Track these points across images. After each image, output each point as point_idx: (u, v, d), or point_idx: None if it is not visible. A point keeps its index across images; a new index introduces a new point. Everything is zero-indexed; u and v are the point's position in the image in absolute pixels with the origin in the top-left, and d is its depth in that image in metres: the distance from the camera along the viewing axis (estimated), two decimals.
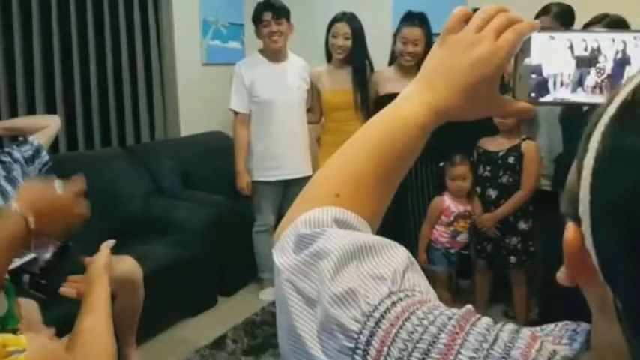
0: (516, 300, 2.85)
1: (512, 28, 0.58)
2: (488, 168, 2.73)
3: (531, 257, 2.73)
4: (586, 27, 2.39)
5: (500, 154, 2.69)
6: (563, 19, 2.63)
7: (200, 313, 3.02)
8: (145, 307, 2.30)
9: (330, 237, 0.49)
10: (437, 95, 0.57)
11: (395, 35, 2.91)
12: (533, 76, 0.61)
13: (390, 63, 3.07)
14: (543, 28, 0.61)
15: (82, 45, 3.10)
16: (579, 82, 0.60)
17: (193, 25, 3.82)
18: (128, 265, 2.22)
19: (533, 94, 0.62)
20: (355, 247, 0.48)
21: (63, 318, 1.59)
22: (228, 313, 3.05)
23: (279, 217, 3.23)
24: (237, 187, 3.03)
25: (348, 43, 2.94)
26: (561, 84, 0.61)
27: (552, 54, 0.61)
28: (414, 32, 2.82)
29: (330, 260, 0.46)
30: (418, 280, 0.48)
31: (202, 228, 2.92)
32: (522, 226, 2.71)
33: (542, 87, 0.61)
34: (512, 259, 2.73)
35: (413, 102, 0.58)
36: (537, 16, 2.68)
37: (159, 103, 3.57)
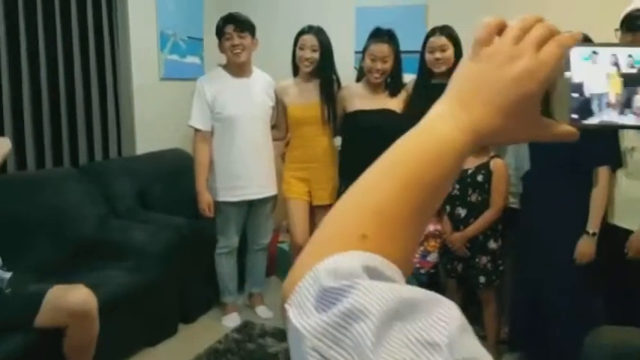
0: (486, 320, 2.80)
1: (555, 40, 0.50)
2: (457, 186, 2.69)
3: (501, 276, 2.70)
4: None
5: (469, 171, 2.65)
6: None
7: (159, 342, 2.84)
8: (100, 339, 2.13)
9: (364, 291, 0.39)
10: (474, 115, 0.50)
11: (363, 52, 2.85)
12: (574, 95, 0.54)
13: (358, 79, 3.01)
14: (584, 41, 0.53)
15: (32, 57, 2.91)
16: (628, 104, 0.53)
17: (150, 39, 3.67)
18: (81, 295, 2.05)
19: (574, 116, 0.54)
20: (397, 305, 0.38)
21: None
22: (189, 342, 2.88)
23: (242, 239, 3.10)
24: (198, 208, 2.88)
25: (316, 55, 2.86)
26: (607, 105, 0.53)
27: (595, 71, 0.53)
28: (383, 49, 2.78)
29: (368, 323, 0.36)
30: (475, 344, 0.39)
31: (161, 251, 2.76)
32: (492, 245, 2.68)
33: (584, 108, 0.54)
34: (482, 279, 2.69)
35: (447, 123, 0.50)
36: None
37: (113, 119, 3.39)
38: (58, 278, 2.23)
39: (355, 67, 4.01)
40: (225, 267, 3.07)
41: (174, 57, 3.82)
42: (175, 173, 3.46)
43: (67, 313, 2.02)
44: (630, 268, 2.37)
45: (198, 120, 2.85)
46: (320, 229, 0.49)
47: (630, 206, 2.24)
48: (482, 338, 2.94)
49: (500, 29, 0.52)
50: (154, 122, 3.73)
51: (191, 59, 4.00)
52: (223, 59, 3.03)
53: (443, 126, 0.50)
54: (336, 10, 4.06)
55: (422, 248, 2.70)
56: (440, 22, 2.94)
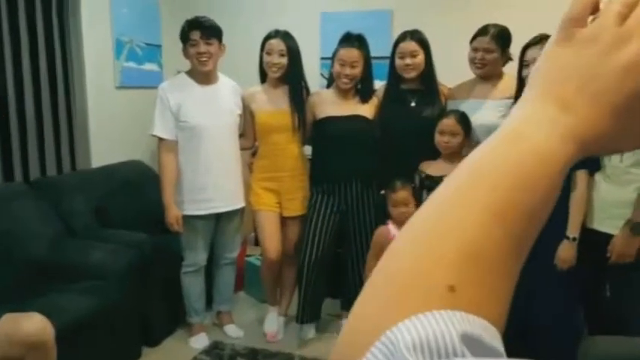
0: None
1: None
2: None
3: None
4: (526, 48, 2.36)
5: (444, 179, 2.58)
6: (502, 40, 2.61)
7: None
8: None
9: None
10: (578, 117, 0.38)
11: (333, 57, 2.76)
12: None
13: (329, 86, 2.91)
14: None
15: None
16: None
17: (105, 46, 3.47)
18: (35, 324, 1.86)
19: None
20: None
21: None
22: None
23: (210, 255, 2.94)
24: (166, 222, 2.69)
25: (284, 60, 2.74)
26: None
27: None
28: (352, 54, 2.69)
29: None
30: None
31: (122, 271, 2.57)
32: None
33: None
34: None
35: (542, 128, 0.38)
36: (475, 37, 2.65)
37: (66, 130, 3.17)
38: (8, 306, 2.02)
39: (321, 74, 3.94)
40: (192, 286, 2.90)
41: (131, 64, 3.63)
42: (135, 187, 3.27)
43: (20, 345, 1.82)
44: (609, 274, 2.35)
45: (162, 128, 2.68)
46: (380, 277, 0.37)
47: (609, 210, 2.21)
48: None
49: (595, 6, 0.41)
50: (110, 133, 3.53)
51: (149, 66, 3.82)
52: (183, 65, 2.87)
53: (537, 133, 0.38)
54: (301, 15, 3.97)
55: None
56: (405, 28, 2.88)
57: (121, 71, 3.54)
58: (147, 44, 3.76)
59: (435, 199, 0.38)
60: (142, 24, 3.72)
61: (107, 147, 3.48)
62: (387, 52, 3.21)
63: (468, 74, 2.77)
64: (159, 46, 3.90)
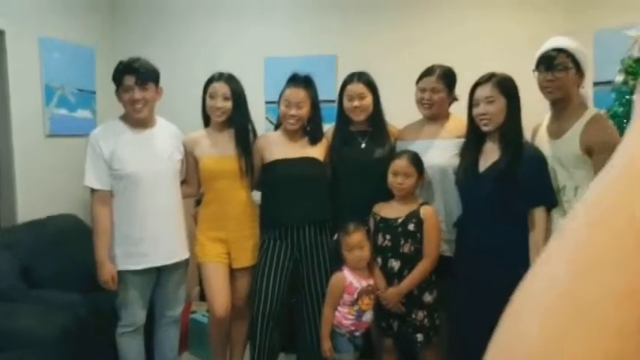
0: None
1: None
2: (387, 237, 2.52)
3: (437, 331, 2.53)
4: (476, 86, 2.35)
5: (399, 220, 2.50)
6: (448, 79, 2.60)
7: None
8: None
9: None
10: None
11: (279, 98, 2.67)
12: None
13: (276, 128, 2.81)
14: None
15: None
16: None
17: (34, 92, 3.25)
18: None
19: None
20: None
21: None
22: None
23: (149, 314, 2.69)
24: (99, 280, 2.44)
25: (228, 104, 2.61)
26: None
27: None
28: (298, 94, 2.61)
29: None
30: None
31: (53, 336, 2.30)
32: (427, 298, 2.51)
33: None
34: (420, 336, 2.50)
35: None
36: (421, 78, 2.63)
37: None
38: None
39: (267, 118, 3.85)
40: (130, 348, 2.62)
41: (63, 111, 3.41)
42: (66, 242, 3.01)
43: None
44: None
45: (94, 178, 2.46)
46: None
47: None
48: None
49: None
50: (39, 185, 3.26)
51: (82, 113, 3.60)
52: (119, 112, 2.69)
53: None
54: (245, 60, 3.90)
55: (356, 308, 2.46)
56: (350, 70, 2.85)
57: (50, 119, 3.31)
58: (80, 90, 3.56)
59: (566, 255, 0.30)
60: (74, 69, 3.53)
61: (36, 200, 3.21)
62: (333, 96, 3.17)
63: (415, 115, 2.74)
64: (93, 92, 3.70)
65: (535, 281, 0.29)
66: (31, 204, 3.17)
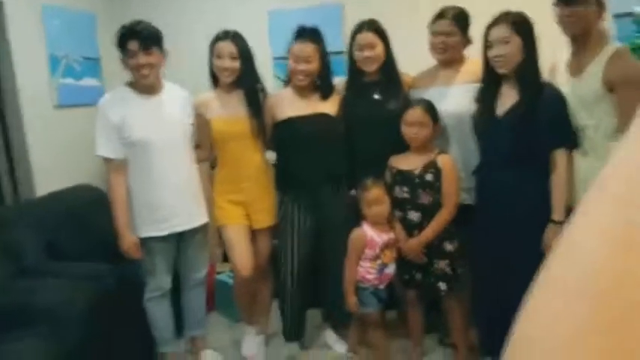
0: (454, 327, 2.62)
1: None
2: (405, 189, 2.48)
3: (460, 279, 2.52)
4: (490, 28, 2.25)
5: (417, 172, 2.46)
6: (462, 22, 2.50)
7: None
8: None
9: None
10: None
11: (288, 53, 2.59)
12: None
13: (286, 85, 2.74)
14: None
15: None
16: None
17: (39, 62, 3.21)
18: None
19: None
20: None
21: None
22: None
23: (175, 278, 2.72)
24: (121, 249, 2.47)
25: (236, 64, 2.54)
26: None
27: None
28: (305, 49, 2.53)
29: None
30: None
31: (81, 310, 2.32)
32: (448, 247, 2.49)
33: None
34: (443, 285, 2.50)
35: None
36: (434, 21, 2.53)
37: (3, 158, 2.90)
38: None
39: (275, 75, 3.77)
40: (159, 312, 2.67)
41: (69, 80, 3.37)
42: (86, 213, 3.02)
43: None
44: None
45: (107, 148, 2.44)
46: None
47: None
48: (450, 346, 2.76)
49: None
50: (54, 157, 3.26)
51: (89, 82, 3.56)
52: (126, 78, 2.64)
53: None
54: (248, 15, 3.79)
55: (379, 262, 2.46)
56: (357, 20, 2.74)
57: (58, 89, 3.27)
58: (85, 58, 3.50)
59: None
60: (77, 37, 3.46)
61: (51, 172, 3.21)
62: (340, 47, 3.08)
63: (428, 62, 2.64)
64: (97, 60, 3.65)
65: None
66: (47, 177, 3.17)
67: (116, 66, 3.59)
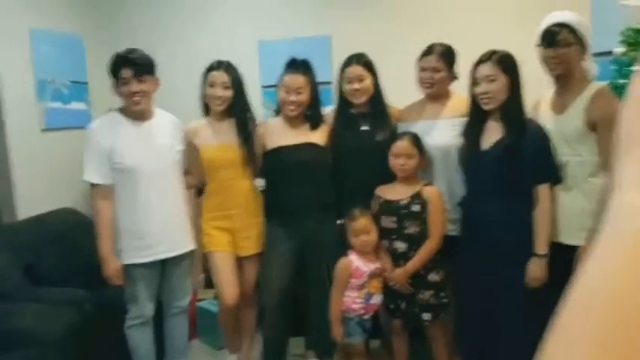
0: (437, 355, 2.63)
1: None
2: (392, 219, 2.51)
3: (444, 309, 2.54)
4: (477, 65, 2.32)
5: (403, 202, 2.49)
6: (448, 58, 2.57)
7: None
8: None
9: None
10: None
11: (278, 84, 2.63)
12: None
13: (276, 114, 2.78)
14: None
15: None
16: None
17: (26, 86, 3.19)
18: None
19: None
20: None
21: None
22: None
23: (157, 304, 2.69)
24: (104, 275, 2.44)
25: (228, 93, 2.58)
26: None
27: None
28: (297, 80, 2.58)
29: None
30: None
31: (59, 335, 2.29)
32: (434, 277, 2.51)
33: None
34: (427, 315, 2.51)
35: None
36: (421, 57, 2.60)
37: None
38: None
39: (263, 104, 3.81)
40: (140, 340, 2.63)
41: (57, 104, 3.36)
42: (68, 237, 2.98)
43: None
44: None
45: (94, 173, 2.43)
46: None
47: (574, 222, 2.18)
48: None
49: None
50: (37, 180, 3.23)
51: (76, 105, 3.55)
52: (115, 102, 2.65)
53: None
54: (239, 45, 3.85)
55: (365, 291, 2.47)
56: (345, 52, 2.81)
57: (45, 113, 3.26)
58: (72, 82, 3.50)
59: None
60: (65, 61, 3.46)
61: (35, 195, 3.18)
62: (328, 77, 3.14)
63: (413, 94, 2.70)
64: (85, 84, 3.65)
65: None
66: (30, 200, 3.14)
67: (103, 90, 3.62)
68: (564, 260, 2.16)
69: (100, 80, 3.64)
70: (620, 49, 2.82)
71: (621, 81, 2.80)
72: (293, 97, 2.57)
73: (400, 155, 2.48)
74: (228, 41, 3.89)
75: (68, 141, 3.39)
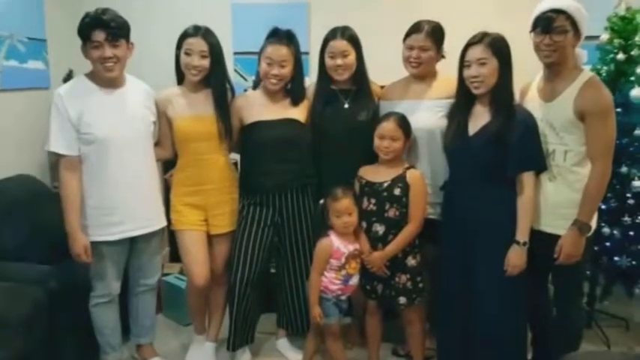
0: (411, 339, 2.63)
1: None
2: (372, 201, 2.46)
3: (420, 293, 2.53)
4: (468, 47, 2.25)
5: (385, 185, 2.44)
6: (437, 36, 2.49)
7: None
8: None
9: None
10: None
11: (259, 54, 2.49)
12: None
13: (255, 86, 2.64)
14: None
15: None
16: None
17: None
18: None
19: None
20: None
21: None
22: None
23: (124, 283, 2.57)
24: (71, 253, 2.29)
25: (206, 62, 2.41)
26: None
27: None
28: (281, 52, 2.44)
29: None
30: None
31: (23, 316, 2.15)
32: (411, 262, 2.49)
33: None
34: (403, 299, 2.49)
35: None
36: (409, 35, 2.51)
37: None
38: None
39: (235, 70, 3.66)
40: (105, 319, 2.51)
41: (13, 63, 3.09)
42: (27, 207, 2.77)
43: None
44: (555, 274, 2.34)
45: (61, 143, 2.24)
46: None
47: (556, 211, 2.17)
48: (406, 357, 2.77)
49: None
50: None
51: (33, 64, 3.29)
52: (75, 62, 2.41)
53: None
54: (211, 7, 3.64)
55: (344, 272, 2.42)
56: (323, 21, 2.69)
57: (1, 72, 3.00)
58: (30, 39, 3.23)
59: None
60: (22, 15, 3.17)
61: None
62: (305, 48, 3.01)
63: (394, 69, 2.60)
64: (44, 41, 3.38)
65: None
66: None
67: (64, 48, 3.38)
68: (544, 248, 2.18)
69: (60, 38, 3.39)
70: (605, 36, 2.81)
71: (604, 68, 2.80)
72: (275, 71, 2.44)
73: (385, 137, 2.41)
74: (199, 3, 3.68)
75: (25, 102, 3.15)
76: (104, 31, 2.19)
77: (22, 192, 2.85)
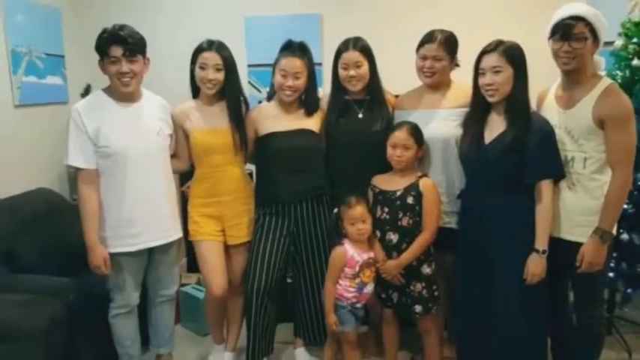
0: (428, 348, 2.62)
1: None
2: (386, 210, 2.46)
3: (436, 302, 2.52)
4: (482, 55, 2.25)
5: (398, 193, 2.44)
6: (450, 46, 2.49)
7: None
8: None
9: None
10: None
11: (273, 66, 2.52)
12: None
13: (270, 98, 2.66)
14: None
15: None
16: None
17: (0, 59, 2.99)
18: None
19: None
20: None
21: None
22: None
23: (143, 294, 2.59)
24: (90, 265, 2.32)
25: (220, 76, 2.45)
26: None
27: None
28: (295, 64, 2.47)
29: None
30: None
31: (42, 327, 2.18)
32: (426, 270, 2.49)
33: None
34: (418, 307, 2.49)
35: None
36: (422, 45, 2.51)
37: None
38: None
39: (249, 82, 3.70)
40: (125, 329, 2.53)
41: (32, 79, 3.16)
42: (46, 220, 2.83)
43: None
44: (574, 282, 2.32)
45: (79, 157, 2.28)
46: None
47: (576, 218, 2.16)
48: None
49: None
50: (11, 159, 3.05)
51: (52, 80, 3.36)
52: (92, 78, 2.46)
53: None
54: (224, 20, 3.69)
55: (358, 280, 2.43)
56: (336, 32, 2.70)
57: (20, 87, 3.06)
58: (48, 55, 3.30)
59: None
60: (41, 32, 3.25)
61: (9, 175, 3.00)
62: (318, 58, 3.03)
63: (409, 79, 2.61)
64: (62, 57, 3.45)
65: None
66: (4, 179, 2.97)
67: (81, 64, 3.45)
68: (564, 256, 2.16)
69: (77, 54, 3.46)
70: (619, 42, 2.79)
71: (619, 74, 2.78)
72: (290, 82, 2.47)
73: (397, 146, 2.42)
74: (213, 16, 3.73)
75: (44, 117, 3.22)
76: (121, 47, 2.23)
77: (42, 205, 2.91)
